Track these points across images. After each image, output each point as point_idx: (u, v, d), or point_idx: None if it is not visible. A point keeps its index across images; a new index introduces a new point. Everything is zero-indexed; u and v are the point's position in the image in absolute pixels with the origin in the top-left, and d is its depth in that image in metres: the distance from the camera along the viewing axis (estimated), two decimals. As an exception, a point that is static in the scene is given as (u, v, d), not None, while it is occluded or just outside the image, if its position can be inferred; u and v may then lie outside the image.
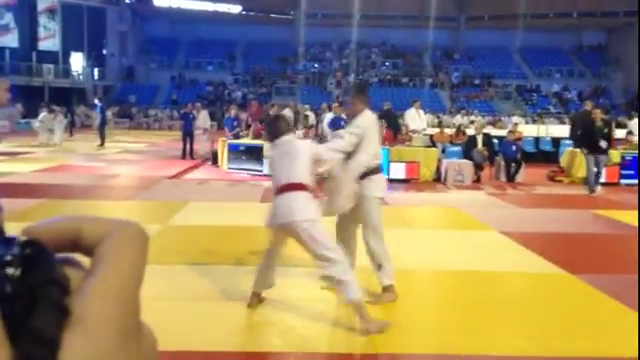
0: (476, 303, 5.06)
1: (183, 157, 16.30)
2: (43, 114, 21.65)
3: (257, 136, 14.66)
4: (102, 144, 19.94)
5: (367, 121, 4.83)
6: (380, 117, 14.51)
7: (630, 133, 14.91)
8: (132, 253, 0.31)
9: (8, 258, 0.31)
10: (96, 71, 41.49)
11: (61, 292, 0.31)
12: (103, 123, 20.52)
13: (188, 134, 16.46)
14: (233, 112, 16.13)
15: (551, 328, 4.44)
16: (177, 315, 4.46)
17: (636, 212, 9.20)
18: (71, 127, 25.81)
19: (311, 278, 5.48)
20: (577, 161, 13.63)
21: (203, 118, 17.01)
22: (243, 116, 17.22)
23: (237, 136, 15.01)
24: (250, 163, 13.62)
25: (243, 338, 4.21)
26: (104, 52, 43.19)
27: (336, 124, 13.91)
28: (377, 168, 4.91)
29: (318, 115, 16.91)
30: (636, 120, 16.14)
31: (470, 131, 15.87)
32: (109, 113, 28.51)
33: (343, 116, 14.43)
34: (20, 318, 0.30)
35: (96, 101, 23.16)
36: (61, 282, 0.31)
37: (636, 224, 8.31)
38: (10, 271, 0.30)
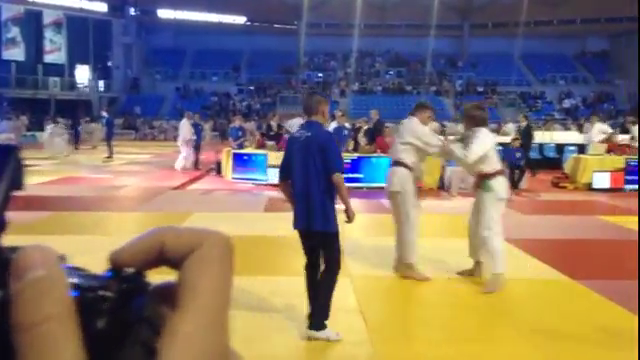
0: (480, 311, 5.07)
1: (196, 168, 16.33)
2: (50, 126, 21.83)
3: (260, 146, 14.75)
4: (110, 156, 19.96)
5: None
6: (376, 127, 14.59)
7: (633, 139, 14.90)
8: (216, 278, 0.31)
9: (103, 293, 0.30)
10: (101, 83, 41.80)
11: (151, 332, 0.31)
12: (110, 135, 20.56)
13: (197, 145, 16.59)
14: (237, 122, 16.20)
15: (555, 335, 4.45)
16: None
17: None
18: (76, 140, 25.90)
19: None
20: (581, 167, 13.64)
21: (187, 128, 16.13)
22: (247, 126, 17.25)
23: (241, 146, 15.09)
24: (254, 173, 13.68)
25: (251, 349, 4.23)
26: (109, 64, 43.52)
27: (339, 133, 13.96)
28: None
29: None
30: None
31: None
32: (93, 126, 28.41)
33: (346, 125, 14.50)
34: (107, 356, 0.30)
35: (103, 113, 23.17)
36: (153, 321, 0.31)
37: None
38: (104, 306, 0.30)
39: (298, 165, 4.28)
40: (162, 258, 0.32)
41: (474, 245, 5.83)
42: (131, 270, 0.32)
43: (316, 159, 4.20)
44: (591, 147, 14.81)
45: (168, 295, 0.32)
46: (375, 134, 14.34)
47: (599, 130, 14.89)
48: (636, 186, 13.03)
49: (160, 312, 0.32)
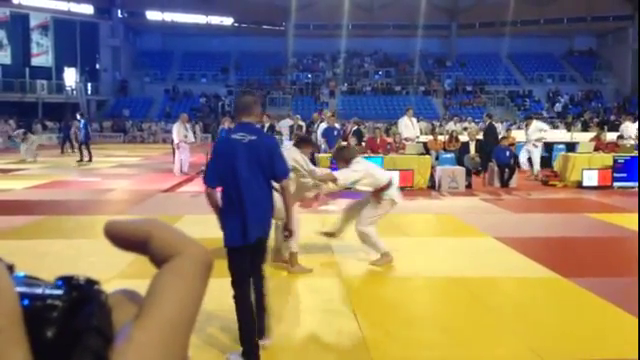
0: (472, 310, 5.08)
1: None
2: (16, 132, 21.95)
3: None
4: (87, 159, 19.63)
5: None
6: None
7: (621, 137, 14.99)
8: (185, 292, 0.31)
9: (52, 301, 0.30)
10: (89, 86, 41.52)
11: (102, 340, 0.31)
12: (87, 139, 20.29)
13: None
14: (227, 124, 16.14)
15: (546, 333, 4.46)
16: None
17: (631, 215, 9.26)
18: (64, 143, 25.65)
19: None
20: (570, 165, 13.71)
21: (176, 131, 15.57)
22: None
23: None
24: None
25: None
26: (97, 67, 43.24)
27: (329, 134, 13.98)
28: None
29: (308, 126, 16.95)
30: (627, 123, 16.25)
31: (463, 138, 15.95)
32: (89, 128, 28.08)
33: (337, 126, 14.52)
34: None
35: (78, 116, 22.57)
36: (103, 329, 0.31)
37: (632, 227, 8.36)
38: (54, 315, 0.30)
39: (244, 170, 3.89)
40: (145, 248, 0.33)
41: (340, 226, 6.74)
42: (82, 279, 0.32)
43: (264, 165, 3.92)
44: (580, 146, 14.92)
45: (121, 303, 0.32)
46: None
47: (535, 128, 14.96)
48: (625, 183, 13.13)
49: (110, 320, 0.32)
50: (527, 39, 44.30)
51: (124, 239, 0.33)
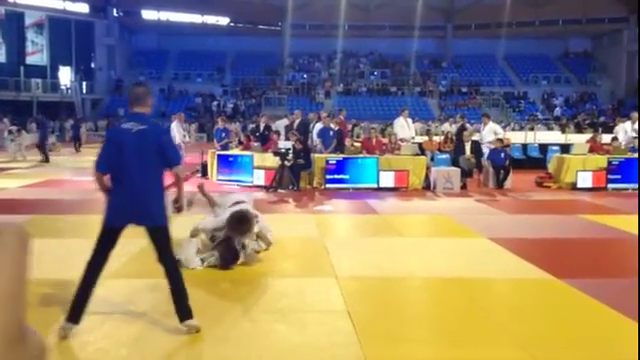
0: (466, 311, 5.07)
1: None
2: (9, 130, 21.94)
3: (246, 148, 14.69)
4: (46, 160, 19.51)
5: None
6: (299, 127, 14.58)
7: (615, 139, 15.03)
8: (10, 263, 0.34)
9: None
10: (84, 85, 41.39)
11: None
12: (43, 139, 20.15)
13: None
14: (222, 124, 16.12)
15: (540, 335, 4.46)
16: (161, 329, 4.45)
17: (625, 217, 9.29)
18: (75, 142, 25.58)
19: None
20: (565, 166, 13.74)
21: (176, 130, 15.47)
22: (232, 127, 17.17)
23: (226, 147, 15.02)
24: (240, 174, 13.62)
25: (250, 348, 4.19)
26: (92, 66, 43.13)
27: (324, 134, 13.97)
28: None
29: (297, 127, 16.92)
30: (621, 125, 16.29)
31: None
32: (83, 128, 28.19)
33: (332, 126, 14.51)
34: None
35: (38, 116, 22.49)
36: None
37: (626, 228, 8.39)
38: None
39: (134, 158, 4.19)
40: None
41: None
42: None
43: (154, 153, 4.19)
44: (575, 147, 14.95)
45: None
46: (304, 134, 14.44)
47: (490, 130, 14.86)
48: (619, 185, 13.18)
49: None
50: (522, 41, 44.40)
51: None
